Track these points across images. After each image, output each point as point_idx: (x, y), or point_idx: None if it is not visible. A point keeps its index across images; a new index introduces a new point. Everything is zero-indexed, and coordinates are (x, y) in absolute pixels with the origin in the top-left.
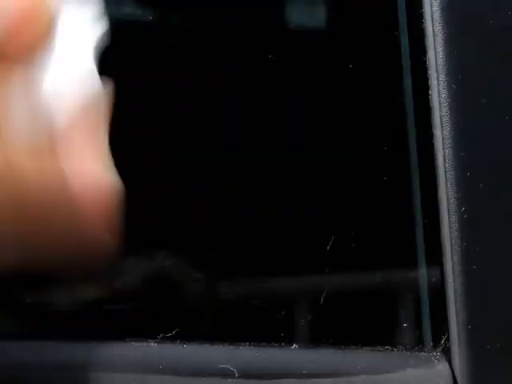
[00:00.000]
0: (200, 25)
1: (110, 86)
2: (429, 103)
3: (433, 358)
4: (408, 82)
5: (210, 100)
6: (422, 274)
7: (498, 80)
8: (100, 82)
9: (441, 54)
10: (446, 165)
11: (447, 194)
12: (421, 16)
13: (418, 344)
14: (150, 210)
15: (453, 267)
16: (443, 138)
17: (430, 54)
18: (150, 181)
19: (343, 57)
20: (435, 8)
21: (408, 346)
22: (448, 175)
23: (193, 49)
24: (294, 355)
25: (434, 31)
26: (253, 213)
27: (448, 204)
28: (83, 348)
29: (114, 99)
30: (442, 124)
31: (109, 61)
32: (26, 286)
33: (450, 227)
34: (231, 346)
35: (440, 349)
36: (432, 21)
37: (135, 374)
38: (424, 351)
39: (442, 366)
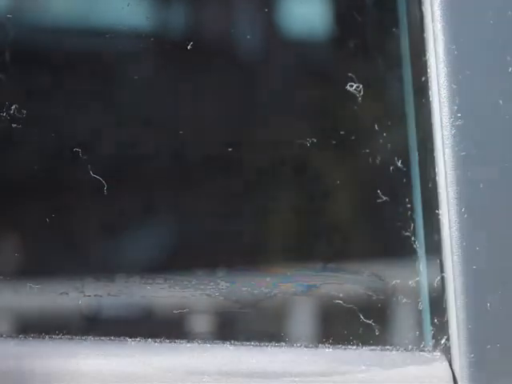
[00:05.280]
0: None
1: None
2: (429, 103)
3: (433, 358)
4: (408, 82)
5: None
6: (422, 273)
7: (497, 80)
8: None
9: (441, 54)
10: (446, 165)
11: (447, 193)
12: (421, 16)
13: (418, 344)
14: None
15: (453, 267)
16: (443, 138)
17: (430, 54)
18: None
19: (343, 56)
20: (435, 8)
21: (408, 346)
22: (448, 175)
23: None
24: (294, 355)
25: (433, 31)
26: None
27: (448, 204)
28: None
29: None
30: (441, 124)
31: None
32: None
33: (450, 227)
34: (231, 346)
35: (440, 349)
36: (432, 21)
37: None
38: (424, 351)
39: (441, 366)
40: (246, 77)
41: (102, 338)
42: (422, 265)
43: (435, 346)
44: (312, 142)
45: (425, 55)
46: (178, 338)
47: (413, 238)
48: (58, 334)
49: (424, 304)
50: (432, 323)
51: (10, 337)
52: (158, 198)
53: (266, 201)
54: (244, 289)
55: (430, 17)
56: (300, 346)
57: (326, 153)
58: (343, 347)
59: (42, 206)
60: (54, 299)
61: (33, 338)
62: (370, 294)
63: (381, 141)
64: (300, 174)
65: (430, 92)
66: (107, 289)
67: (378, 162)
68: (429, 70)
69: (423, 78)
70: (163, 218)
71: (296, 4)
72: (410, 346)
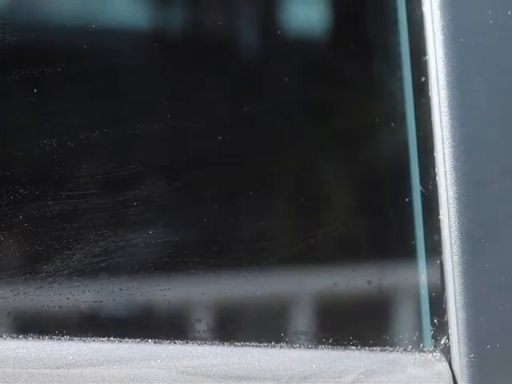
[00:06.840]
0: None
1: None
2: (429, 103)
3: (433, 358)
4: (408, 82)
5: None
6: (422, 273)
7: (497, 80)
8: None
9: (441, 54)
10: (446, 165)
11: (447, 194)
12: (421, 16)
13: (418, 344)
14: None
15: (453, 267)
16: (443, 138)
17: (430, 54)
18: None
19: (343, 56)
20: (435, 8)
21: (408, 347)
22: (448, 175)
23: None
24: (294, 355)
25: (433, 31)
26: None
27: (448, 204)
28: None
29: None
30: (441, 124)
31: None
32: None
33: (450, 227)
34: (231, 346)
35: (440, 349)
36: (432, 21)
37: (132, 370)
38: (424, 351)
39: (441, 366)
40: (246, 76)
41: (102, 338)
42: (422, 265)
43: (435, 346)
44: (310, 141)
45: (425, 55)
46: (177, 339)
47: (413, 238)
48: (57, 334)
49: (424, 304)
50: (432, 323)
51: (10, 337)
52: (158, 197)
53: (267, 201)
54: (244, 289)
55: (430, 17)
56: (300, 346)
57: (326, 153)
58: (343, 347)
59: (42, 205)
60: (55, 299)
61: (33, 338)
62: (369, 294)
63: (381, 141)
64: (300, 174)
65: (429, 92)
66: (107, 289)
67: (377, 162)
68: (429, 70)
69: (423, 78)
70: (164, 217)
71: (296, 4)
72: (409, 347)
